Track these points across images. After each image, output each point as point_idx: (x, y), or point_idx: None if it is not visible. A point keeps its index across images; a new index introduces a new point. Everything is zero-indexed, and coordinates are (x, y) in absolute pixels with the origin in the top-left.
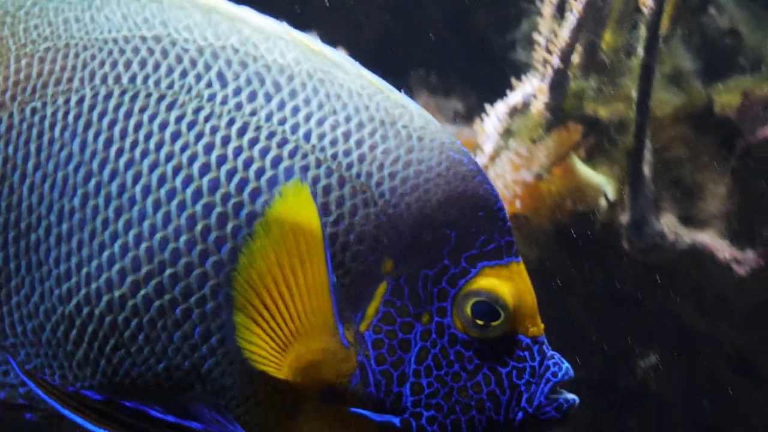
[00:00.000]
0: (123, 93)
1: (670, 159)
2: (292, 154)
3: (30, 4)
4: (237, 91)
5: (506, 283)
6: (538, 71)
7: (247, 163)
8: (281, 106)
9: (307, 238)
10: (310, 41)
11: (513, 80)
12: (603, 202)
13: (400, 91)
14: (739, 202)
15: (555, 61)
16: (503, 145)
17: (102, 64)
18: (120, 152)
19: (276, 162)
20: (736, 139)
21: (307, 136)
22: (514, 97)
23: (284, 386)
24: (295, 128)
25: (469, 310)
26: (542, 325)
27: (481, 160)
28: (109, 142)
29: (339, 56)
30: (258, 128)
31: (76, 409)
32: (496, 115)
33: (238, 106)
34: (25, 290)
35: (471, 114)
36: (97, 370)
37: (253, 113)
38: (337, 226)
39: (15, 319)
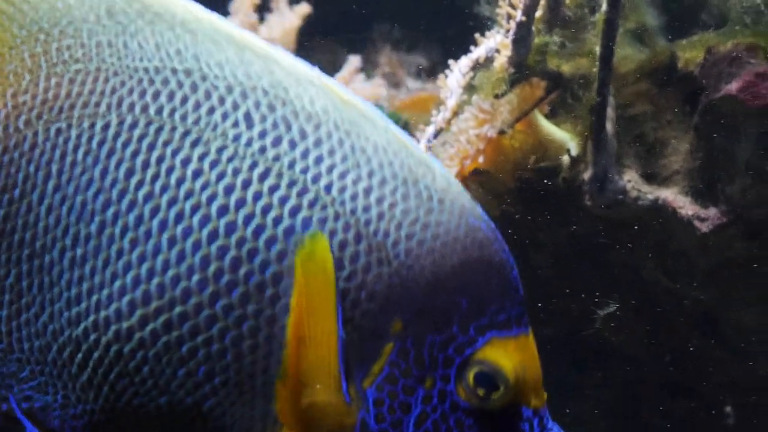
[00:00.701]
0: (149, 124)
1: (633, 115)
2: (311, 205)
3: (65, 23)
4: (262, 134)
5: (512, 355)
6: (502, 26)
7: (266, 210)
8: (305, 154)
9: (321, 289)
10: (342, 90)
11: (477, 35)
12: (566, 158)
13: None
14: (702, 158)
15: (518, 15)
16: (466, 100)
17: (131, 92)
18: (140, 184)
19: (294, 211)
20: (699, 96)
21: (328, 188)
22: (477, 52)
23: None
24: (316, 178)
25: (471, 379)
26: (545, 396)
27: (443, 115)
28: (130, 172)
29: (368, 108)
30: (279, 175)
31: None
32: (459, 69)
33: (262, 150)
34: (35, 309)
35: (434, 69)
36: (100, 394)
37: (276, 158)
38: (350, 282)
39: (23, 336)
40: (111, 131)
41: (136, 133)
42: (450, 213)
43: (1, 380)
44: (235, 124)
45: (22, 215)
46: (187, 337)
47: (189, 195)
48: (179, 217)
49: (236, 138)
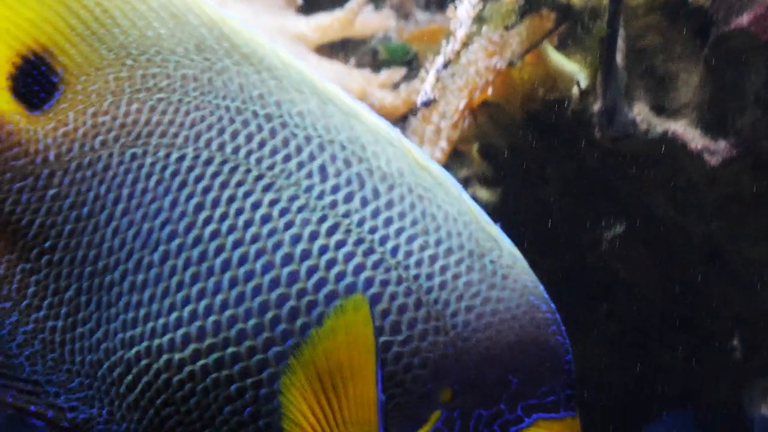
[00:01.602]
0: (224, 162)
1: (643, 48)
2: (375, 266)
3: (153, 52)
4: (335, 189)
5: None
6: None
7: (329, 265)
8: (375, 214)
9: (360, 354)
10: (420, 154)
11: None
12: (575, 91)
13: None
14: (711, 92)
15: None
16: (476, 32)
17: (210, 128)
18: (208, 221)
19: (358, 270)
20: (710, 28)
21: (395, 251)
22: None
23: None
24: (384, 240)
25: None
26: None
27: (453, 46)
28: (199, 208)
29: (444, 175)
30: (348, 231)
31: None
32: (469, 0)
33: (333, 204)
34: (91, 325)
35: (444, 0)
36: (145, 417)
37: (346, 215)
38: (404, 347)
39: (76, 348)
40: (185, 164)
41: (210, 169)
42: (512, 290)
43: (51, 388)
44: (309, 175)
45: (88, 233)
46: (236, 378)
47: (255, 239)
48: (243, 260)
49: (309, 189)
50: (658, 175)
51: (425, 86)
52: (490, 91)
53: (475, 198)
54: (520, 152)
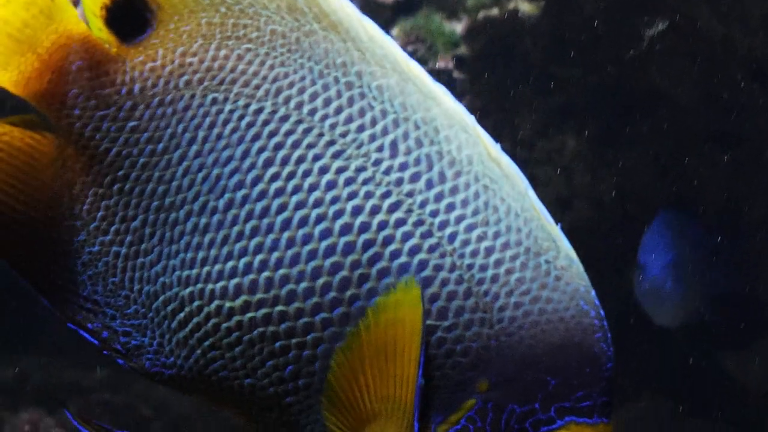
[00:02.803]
0: (298, 122)
1: None
2: (431, 249)
3: (246, 3)
4: (403, 167)
5: None
6: None
7: (386, 241)
8: (438, 197)
9: (406, 335)
10: (491, 145)
11: None
12: None
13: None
14: None
15: None
16: None
17: (290, 85)
18: (275, 177)
19: (413, 251)
20: None
21: (452, 238)
22: None
23: None
24: (443, 225)
25: None
26: None
27: None
28: (268, 163)
29: (513, 169)
30: (409, 211)
31: None
32: None
33: (399, 182)
34: (152, 257)
35: None
36: (191, 356)
37: (409, 194)
38: (448, 333)
39: (135, 277)
40: (262, 117)
41: (285, 127)
42: (562, 293)
43: (109, 310)
44: (380, 149)
45: (160, 169)
46: (282, 335)
47: (318, 204)
48: (303, 222)
49: (377, 162)
50: None
51: None
52: None
53: (517, 11)
54: None
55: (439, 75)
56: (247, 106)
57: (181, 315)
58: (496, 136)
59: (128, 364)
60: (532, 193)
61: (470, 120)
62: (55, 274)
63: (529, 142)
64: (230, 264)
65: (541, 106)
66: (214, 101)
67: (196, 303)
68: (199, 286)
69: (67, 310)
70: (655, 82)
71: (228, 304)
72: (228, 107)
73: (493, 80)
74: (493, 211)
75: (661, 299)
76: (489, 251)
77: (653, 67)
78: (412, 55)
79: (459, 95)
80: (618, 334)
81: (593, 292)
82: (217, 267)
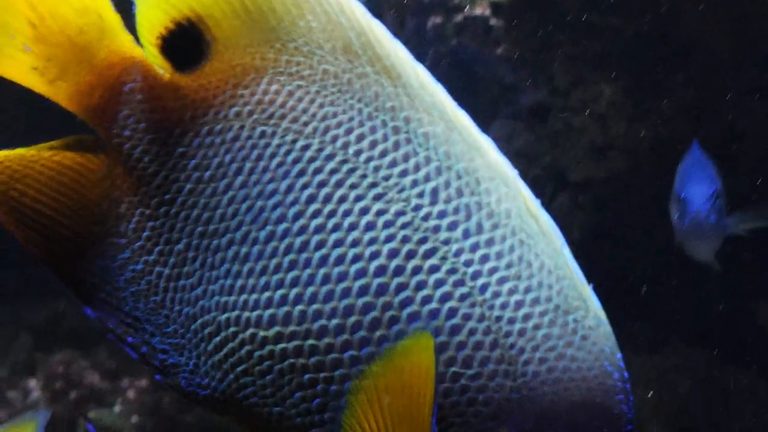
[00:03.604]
0: (343, 162)
1: None
2: (461, 298)
3: (301, 42)
4: (441, 215)
5: None
6: None
7: (419, 286)
8: (474, 248)
9: (421, 380)
10: (531, 200)
11: None
12: None
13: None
14: None
15: None
16: None
17: (338, 125)
18: (316, 214)
19: (444, 298)
20: None
21: (483, 289)
22: None
23: None
24: (476, 275)
25: None
26: None
27: None
28: (311, 199)
29: (550, 226)
30: (444, 258)
31: None
32: None
33: (436, 229)
34: (193, 280)
35: None
36: (224, 379)
37: (446, 242)
38: (472, 382)
39: (176, 298)
40: (308, 154)
41: (330, 165)
42: (588, 352)
43: (149, 327)
44: (420, 195)
45: (206, 196)
46: (311, 369)
47: (355, 243)
48: (339, 260)
49: (417, 208)
50: None
51: None
52: None
53: None
54: None
55: (475, 21)
56: (294, 141)
57: (217, 339)
58: (532, 84)
59: (165, 380)
60: (567, 252)
61: (512, 173)
62: (98, 288)
63: (565, 90)
64: (266, 294)
65: (577, 54)
66: (263, 134)
67: (232, 329)
68: (236, 313)
69: (108, 323)
70: (692, 31)
71: (262, 333)
72: (276, 141)
73: (529, 28)
74: (526, 266)
75: (702, 233)
76: (519, 305)
77: (690, 16)
78: (448, 1)
79: (494, 43)
80: (656, 280)
81: (619, 354)
82: (254, 296)
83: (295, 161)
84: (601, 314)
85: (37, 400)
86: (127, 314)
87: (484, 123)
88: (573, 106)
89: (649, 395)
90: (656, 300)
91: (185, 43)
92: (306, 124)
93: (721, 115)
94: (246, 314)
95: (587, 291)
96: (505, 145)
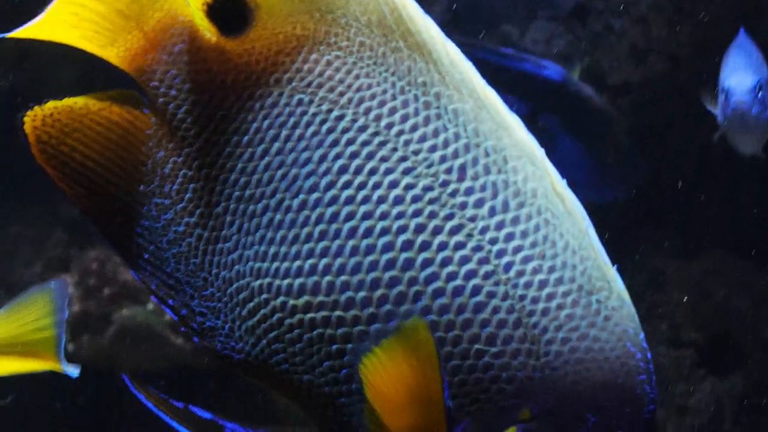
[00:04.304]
0: (375, 134)
1: None
2: (486, 276)
3: (339, 14)
4: (468, 191)
5: None
6: None
7: (444, 263)
8: (499, 226)
9: (426, 358)
10: (558, 180)
11: None
12: None
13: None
14: None
15: None
16: None
17: (372, 97)
18: (347, 185)
19: (469, 275)
20: None
21: (508, 267)
22: None
23: None
24: (500, 254)
25: None
26: None
27: None
28: (342, 170)
29: (576, 206)
30: (469, 235)
31: (183, 421)
32: None
33: (463, 206)
34: (230, 245)
35: None
36: (257, 345)
37: (472, 219)
38: (495, 360)
39: (214, 261)
40: (342, 124)
41: (362, 137)
42: (610, 333)
43: (189, 289)
44: (449, 171)
45: (244, 161)
46: (338, 339)
47: (384, 216)
48: (368, 233)
49: (444, 184)
50: None
51: None
52: None
53: None
54: None
55: None
56: (329, 111)
57: (251, 304)
58: None
59: (202, 343)
60: (592, 232)
61: (540, 153)
62: (143, 249)
63: None
64: (297, 263)
65: None
66: (300, 102)
67: (264, 296)
68: (268, 280)
69: (151, 283)
70: None
71: (292, 302)
72: (312, 110)
73: None
74: (551, 245)
75: (745, 124)
76: (542, 284)
77: None
78: None
79: None
80: (694, 184)
81: (642, 335)
82: (285, 264)
83: (329, 131)
84: (625, 295)
85: (71, 296)
86: (169, 275)
87: (522, 26)
88: (612, 8)
89: (684, 300)
90: (693, 204)
91: (231, 8)
92: (342, 94)
93: None
94: (277, 282)
95: (611, 272)
96: (544, 48)
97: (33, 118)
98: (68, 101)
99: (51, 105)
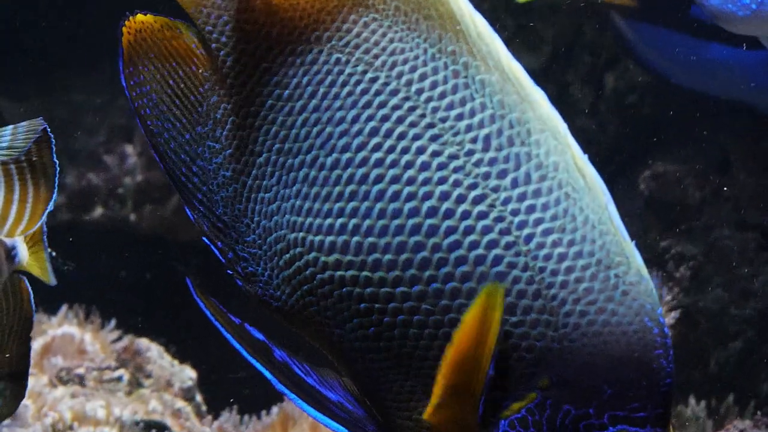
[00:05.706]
0: (405, 99)
1: None
2: (507, 246)
3: None
4: (492, 162)
5: None
6: None
7: (467, 231)
8: (521, 198)
9: (489, 327)
10: (579, 155)
11: None
12: None
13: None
14: None
15: None
16: None
17: (405, 62)
18: (377, 147)
19: (490, 245)
20: None
21: (528, 239)
22: None
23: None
24: (521, 225)
25: None
26: None
27: None
28: (373, 132)
29: (596, 181)
30: (492, 206)
31: (237, 336)
32: None
33: (486, 176)
34: (270, 195)
35: None
36: (293, 295)
37: (494, 190)
38: (515, 329)
39: (256, 209)
40: (375, 87)
41: (393, 101)
42: (628, 308)
43: (233, 234)
44: (474, 140)
45: (284, 114)
46: (366, 298)
47: (410, 182)
48: (395, 196)
49: (469, 153)
50: None
51: None
52: None
53: None
54: None
55: None
56: (364, 72)
57: (287, 256)
58: None
59: (245, 287)
60: (612, 208)
61: (563, 128)
62: (198, 189)
63: None
64: (329, 221)
65: None
66: (338, 62)
67: (299, 249)
68: (302, 234)
69: (203, 224)
70: None
71: (323, 258)
72: (348, 70)
73: None
74: (571, 219)
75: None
76: (562, 257)
77: None
78: None
79: None
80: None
81: (660, 310)
82: (318, 221)
83: (363, 92)
84: (644, 270)
85: (134, 165)
86: (218, 218)
87: None
88: None
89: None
90: None
91: None
92: (376, 57)
93: None
94: (310, 237)
95: (630, 247)
96: None
97: (128, 27)
98: (149, 18)
99: (139, 19)
